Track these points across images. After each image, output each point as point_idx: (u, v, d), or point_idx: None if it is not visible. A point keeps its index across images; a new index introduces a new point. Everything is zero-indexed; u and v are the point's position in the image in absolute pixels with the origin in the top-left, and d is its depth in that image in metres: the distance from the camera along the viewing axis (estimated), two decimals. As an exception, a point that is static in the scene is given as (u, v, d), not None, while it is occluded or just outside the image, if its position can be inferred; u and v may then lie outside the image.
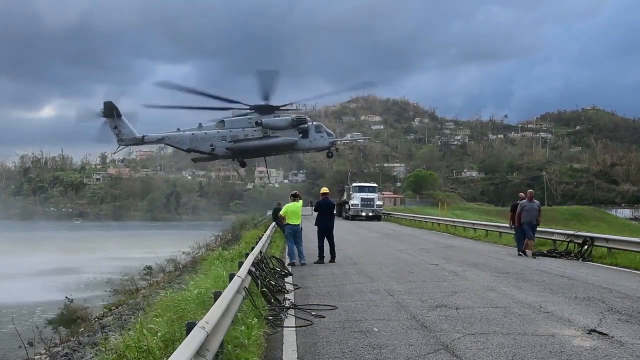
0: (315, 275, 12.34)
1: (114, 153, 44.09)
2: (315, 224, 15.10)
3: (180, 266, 23.50)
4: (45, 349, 12.72)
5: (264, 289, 8.93)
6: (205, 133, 32.24)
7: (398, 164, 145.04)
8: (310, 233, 17.04)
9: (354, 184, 47.27)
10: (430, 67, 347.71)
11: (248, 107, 32.56)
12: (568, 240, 16.66)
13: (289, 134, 32.77)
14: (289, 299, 9.17)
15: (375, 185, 48.91)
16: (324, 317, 7.83)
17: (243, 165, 36.80)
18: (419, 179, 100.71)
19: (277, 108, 32.87)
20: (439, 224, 31.52)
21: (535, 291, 9.82)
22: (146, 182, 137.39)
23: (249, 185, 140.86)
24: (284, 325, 7.44)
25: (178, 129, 32.68)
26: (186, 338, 4.39)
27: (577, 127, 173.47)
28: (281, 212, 15.30)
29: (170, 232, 73.43)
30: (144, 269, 25.18)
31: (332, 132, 36.35)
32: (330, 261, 14.58)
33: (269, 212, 43.55)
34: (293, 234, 14.39)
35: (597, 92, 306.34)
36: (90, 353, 10.02)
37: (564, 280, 11.26)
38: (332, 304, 8.68)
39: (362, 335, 6.74)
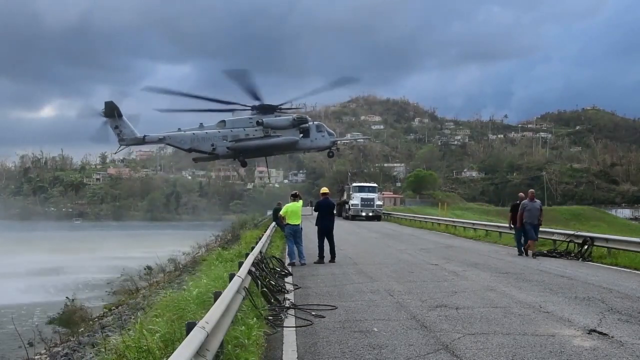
0: (315, 275, 12.33)
1: (115, 153, 44.35)
2: (316, 224, 15.10)
3: (180, 266, 23.49)
4: (45, 349, 12.72)
5: (264, 289, 8.93)
6: (206, 133, 32.24)
7: (398, 164, 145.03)
8: (310, 233, 17.04)
9: (354, 184, 47.25)
10: (430, 67, 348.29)
11: (249, 107, 32.59)
12: (568, 240, 16.66)
13: (290, 133, 32.77)
14: (289, 299, 9.17)
15: (375, 185, 48.90)
16: (324, 317, 7.82)
17: (244, 165, 36.80)
18: (419, 179, 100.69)
19: (277, 108, 32.89)
20: (439, 224, 31.52)
21: (535, 291, 9.81)
22: (146, 182, 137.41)
23: (249, 185, 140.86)
24: (284, 325, 7.44)
25: (179, 128, 32.70)
26: (186, 338, 4.39)
27: (577, 127, 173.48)
28: (281, 212, 15.29)
29: (170, 232, 73.45)
30: (144, 269, 25.17)
31: (333, 132, 36.35)
32: (330, 261, 14.58)
33: (269, 212, 43.60)
34: (293, 234, 14.39)
35: (597, 92, 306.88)
36: (90, 353, 10.01)
37: (564, 280, 11.26)
38: (332, 304, 8.68)
39: (362, 335, 6.74)
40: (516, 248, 16.82)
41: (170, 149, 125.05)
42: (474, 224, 27.85)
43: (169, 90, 33.15)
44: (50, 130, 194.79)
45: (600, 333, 6.71)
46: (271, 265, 11.69)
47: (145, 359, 5.52)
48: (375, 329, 7.00)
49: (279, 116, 32.97)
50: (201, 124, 32.84)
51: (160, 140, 33.72)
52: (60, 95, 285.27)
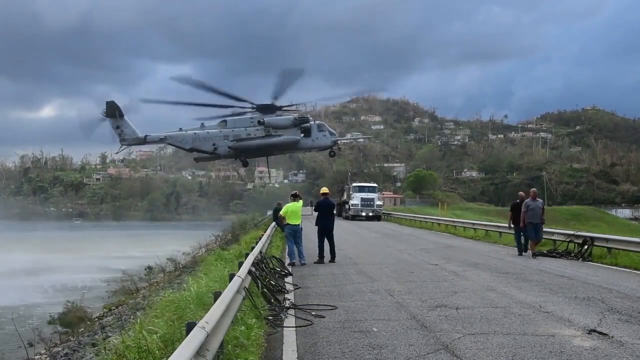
0: (315, 275, 12.33)
1: (117, 153, 44.31)
2: (316, 224, 15.10)
3: (180, 266, 23.49)
4: (45, 349, 12.73)
5: (264, 289, 8.93)
6: (208, 132, 32.24)
7: (398, 164, 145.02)
8: (310, 233, 17.03)
9: (354, 184, 47.27)
10: (430, 67, 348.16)
11: (250, 106, 32.58)
12: (568, 240, 16.64)
13: (292, 133, 32.77)
14: (289, 299, 9.17)
15: (375, 185, 48.92)
16: (324, 317, 7.82)
17: (245, 164, 36.80)
18: (419, 179, 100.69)
19: (279, 107, 32.91)
20: (439, 224, 31.52)
21: (535, 291, 9.81)
22: (146, 182, 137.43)
23: (249, 185, 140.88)
24: (284, 325, 7.44)
25: (180, 128, 32.71)
26: (186, 338, 4.39)
27: (577, 127, 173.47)
28: (281, 212, 15.29)
29: (170, 232, 73.42)
30: (145, 269, 25.18)
31: (334, 131, 36.35)
32: (330, 261, 14.58)
33: (269, 212, 43.60)
34: (293, 234, 14.38)
35: (597, 92, 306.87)
36: (90, 353, 10.02)
37: (564, 280, 11.26)
38: (332, 304, 8.68)
39: (362, 335, 6.74)
40: (516, 248, 16.81)
41: (170, 149, 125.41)
42: (474, 224, 27.84)
43: (167, 101, 33.39)
44: (50, 130, 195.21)
45: (600, 333, 6.71)
46: (271, 265, 11.69)
47: (146, 359, 5.52)
48: (375, 329, 7.00)
49: (281, 115, 32.99)
50: (202, 123, 32.84)
51: (162, 140, 33.71)
52: (60, 95, 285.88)
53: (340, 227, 26.97)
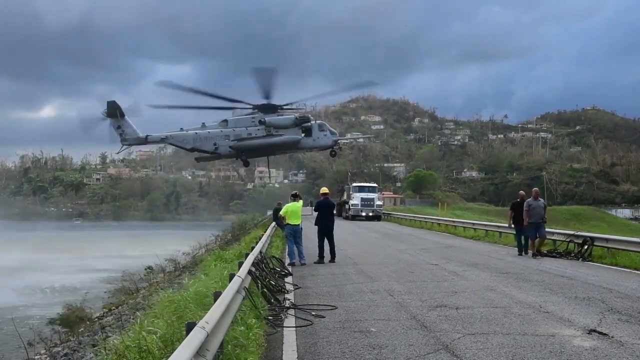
0: (315, 275, 12.33)
1: (118, 153, 44.31)
2: (315, 224, 15.10)
3: (180, 266, 23.49)
4: (45, 349, 12.72)
5: (264, 289, 8.93)
6: (209, 132, 32.27)
7: (398, 164, 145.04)
8: (310, 233, 17.03)
9: (354, 184, 47.27)
10: (430, 67, 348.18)
11: (251, 106, 32.61)
12: (568, 240, 16.65)
13: (292, 132, 32.79)
14: (289, 299, 9.17)
15: (375, 185, 48.92)
16: (324, 317, 7.82)
17: (246, 164, 36.83)
18: (419, 179, 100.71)
19: (280, 107, 32.93)
20: (439, 224, 31.52)
21: (535, 291, 9.81)
22: (146, 182, 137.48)
23: (249, 185, 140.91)
24: (284, 325, 7.44)
25: (181, 128, 32.74)
26: (186, 338, 4.39)
27: (577, 127, 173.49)
28: (281, 212, 15.29)
29: (170, 232, 73.38)
30: (145, 269, 25.18)
31: (335, 131, 36.37)
32: (330, 261, 14.58)
33: (269, 212, 43.60)
34: (293, 234, 14.38)
35: (597, 92, 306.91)
36: (90, 353, 10.01)
37: (564, 280, 11.26)
38: (332, 304, 8.67)
39: (362, 335, 6.74)
40: (516, 248, 16.81)
41: (170, 149, 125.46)
42: (474, 224, 27.84)
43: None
44: (50, 130, 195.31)
45: (600, 333, 6.71)
46: (271, 265, 11.68)
47: (146, 359, 5.52)
48: (373, 329, 6.99)
49: (281, 115, 33.00)
50: (203, 123, 32.90)
51: (163, 140, 33.74)
52: (60, 95, 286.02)
53: (340, 227, 26.97)
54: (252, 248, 12.35)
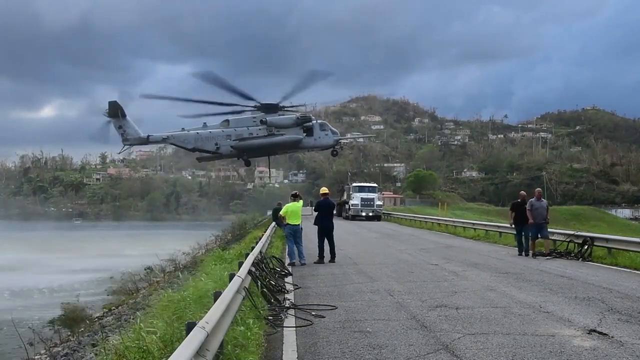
0: (315, 275, 12.33)
1: (119, 153, 44.22)
2: (315, 224, 15.10)
3: (180, 266, 23.49)
4: (45, 349, 12.72)
5: (264, 289, 8.92)
6: (210, 132, 32.24)
7: (398, 164, 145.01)
8: (310, 233, 17.03)
9: (354, 184, 47.26)
10: (430, 67, 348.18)
11: (253, 105, 32.58)
12: (568, 240, 16.64)
13: (294, 132, 32.78)
14: (289, 299, 9.17)
15: (375, 185, 48.92)
16: (324, 317, 7.82)
17: (248, 164, 36.81)
18: (419, 179, 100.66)
19: (281, 107, 32.92)
20: (439, 224, 31.51)
21: (535, 291, 9.81)
22: (146, 182, 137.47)
23: (249, 185, 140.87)
24: (284, 325, 7.44)
25: (183, 128, 32.71)
26: (186, 338, 4.39)
27: (577, 127, 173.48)
28: (281, 212, 15.29)
29: (170, 232, 73.38)
30: (145, 269, 25.19)
31: (336, 131, 36.37)
32: (330, 261, 14.57)
33: (269, 212, 43.56)
34: (293, 234, 14.38)
35: (597, 92, 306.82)
36: (90, 353, 10.01)
37: (564, 280, 11.26)
38: (332, 304, 8.67)
39: (362, 335, 6.74)
40: (516, 248, 16.80)
41: (170, 149, 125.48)
42: (474, 224, 27.83)
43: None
44: (50, 130, 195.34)
45: (600, 333, 6.70)
46: (271, 265, 11.68)
47: (146, 359, 5.52)
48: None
49: (283, 115, 32.99)
50: (205, 123, 32.90)
51: (164, 140, 33.72)
52: (60, 95, 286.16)
53: (340, 227, 26.97)
54: (252, 248, 12.34)
